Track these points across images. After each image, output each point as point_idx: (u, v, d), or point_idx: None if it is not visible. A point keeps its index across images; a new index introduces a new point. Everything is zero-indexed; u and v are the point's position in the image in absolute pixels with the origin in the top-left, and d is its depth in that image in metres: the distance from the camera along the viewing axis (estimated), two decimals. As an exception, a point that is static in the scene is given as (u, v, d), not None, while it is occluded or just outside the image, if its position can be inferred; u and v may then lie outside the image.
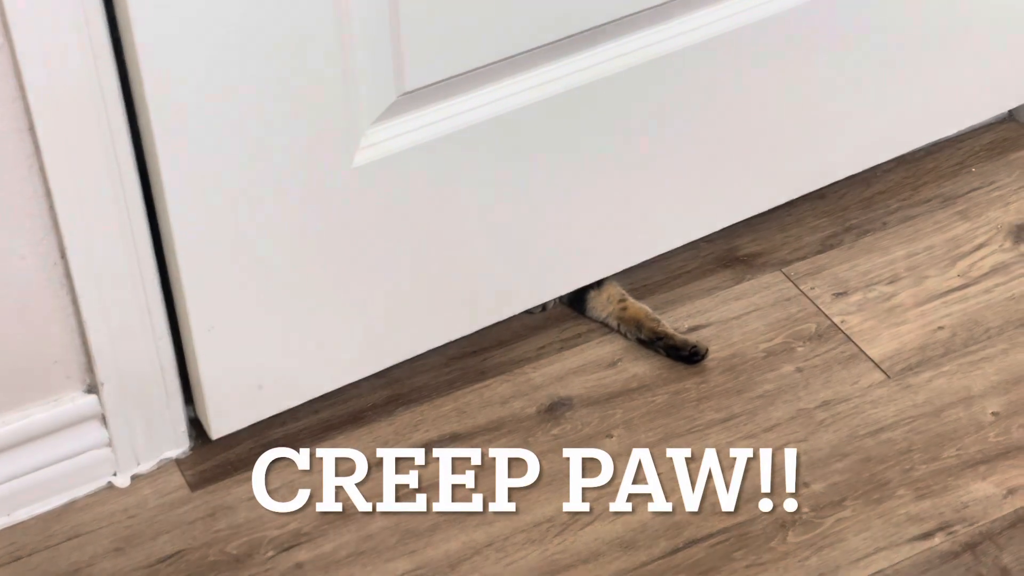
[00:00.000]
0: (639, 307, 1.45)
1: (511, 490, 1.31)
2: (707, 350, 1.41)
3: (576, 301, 1.46)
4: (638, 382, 1.41)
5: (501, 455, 1.33)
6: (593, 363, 1.43)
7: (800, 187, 1.55)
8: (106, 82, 1.09)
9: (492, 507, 1.30)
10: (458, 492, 1.31)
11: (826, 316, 1.46)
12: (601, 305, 1.45)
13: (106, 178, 1.15)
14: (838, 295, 1.49)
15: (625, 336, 1.44)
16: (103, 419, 1.29)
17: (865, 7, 1.43)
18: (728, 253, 1.53)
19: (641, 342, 1.43)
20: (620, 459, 1.33)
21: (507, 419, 1.38)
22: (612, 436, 1.36)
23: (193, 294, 1.22)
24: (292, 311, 1.28)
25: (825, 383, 1.40)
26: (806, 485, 1.31)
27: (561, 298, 1.46)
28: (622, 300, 1.45)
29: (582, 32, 1.27)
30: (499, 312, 1.42)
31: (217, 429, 1.31)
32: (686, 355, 1.42)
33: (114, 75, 1.09)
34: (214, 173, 1.17)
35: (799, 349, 1.43)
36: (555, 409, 1.39)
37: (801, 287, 1.50)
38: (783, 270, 1.52)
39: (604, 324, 1.45)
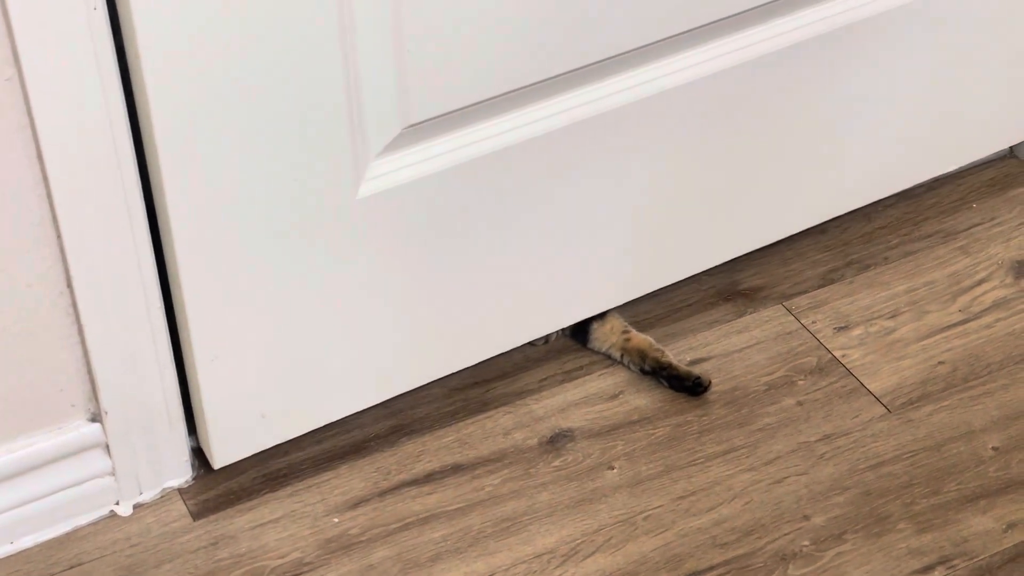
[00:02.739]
0: (642, 338, 1.45)
1: (513, 521, 1.31)
2: (710, 382, 1.42)
3: (578, 333, 1.47)
4: (639, 414, 1.41)
5: (503, 486, 1.34)
6: (595, 395, 1.43)
7: (802, 222, 1.56)
8: (115, 113, 1.10)
9: (494, 538, 1.30)
10: (460, 522, 1.31)
11: (827, 350, 1.47)
12: (604, 336, 1.46)
13: (113, 209, 1.16)
14: (839, 329, 1.49)
15: (628, 367, 1.45)
16: (106, 448, 1.29)
17: (865, 45, 1.44)
18: (730, 287, 1.54)
19: (644, 372, 1.44)
20: (621, 492, 1.34)
21: (509, 450, 1.38)
22: (613, 468, 1.36)
23: (197, 324, 1.23)
24: (296, 341, 1.29)
25: (826, 416, 1.40)
26: (807, 518, 1.31)
27: (564, 330, 1.47)
28: (625, 331, 1.46)
29: (586, 66, 1.28)
30: (502, 344, 1.43)
31: (220, 459, 1.32)
32: (689, 386, 1.42)
33: (122, 107, 1.11)
34: (220, 205, 1.18)
35: (800, 383, 1.44)
36: (556, 441, 1.39)
37: (802, 321, 1.50)
38: (784, 304, 1.52)
39: (607, 356, 1.46)
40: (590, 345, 1.47)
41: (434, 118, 1.23)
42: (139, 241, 1.19)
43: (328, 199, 1.22)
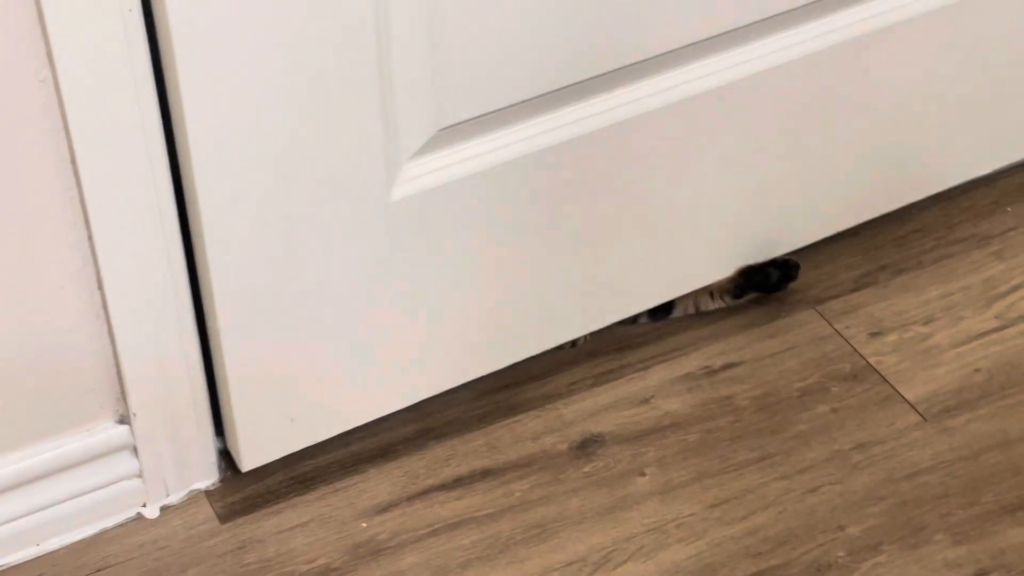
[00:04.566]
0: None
1: (543, 528, 1.30)
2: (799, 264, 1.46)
3: (656, 310, 1.46)
4: (671, 420, 1.40)
5: (532, 492, 1.33)
6: (625, 400, 1.42)
7: (835, 225, 1.54)
8: (148, 117, 1.09)
9: (524, 545, 1.29)
10: (489, 528, 1.30)
11: (861, 356, 1.45)
12: (685, 296, 1.45)
13: (145, 212, 1.15)
14: (873, 335, 1.47)
15: (721, 304, 1.46)
16: (134, 450, 1.28)
17: (899, 47, 1.42)
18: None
19: (738, 295, 1.45)
20: (653, 499, 1.32)
21: (538, 455, 1.37)
22: (645, 475, 1.34)
23: (228, 327, 1.21)
24: (326, 345, 1.28)
25: (860, 424, 1.39)
26: (841, 528, 1.29)
27: (626, 319, 1.46)
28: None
29: (625, 67, 1.27)
30: (534, 347, 1.41)
31: (248, 462, 1.31)
32: (782, 262, 1.44)
33: (156, 111, 1.09)
34: (252, 207, 1.17)
35: (834, 389, 1.42)
36: (587, 446, 1.38)
37: (836, 326, 1.48)
38: (817, 308, 1.51)
39: (696, 312, 1.46)
40: (675, 313, 1.46)
41: (469, 120, 1.22)
42: (171, 244, 1.18)
43: (361, 201, 1.21)
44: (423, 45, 1.16)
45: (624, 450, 1.37)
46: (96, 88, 1.06)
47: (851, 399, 1.41)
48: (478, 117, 1.22)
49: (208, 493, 1.33)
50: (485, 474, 1.35)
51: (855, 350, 1.46)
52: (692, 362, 1.45)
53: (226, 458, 1.34)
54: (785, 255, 1.49)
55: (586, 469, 1.35)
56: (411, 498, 1.33)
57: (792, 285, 1.53)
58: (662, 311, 1.46)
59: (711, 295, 1.46)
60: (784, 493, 1.32)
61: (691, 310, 1.47)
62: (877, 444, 1.37)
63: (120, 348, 1.21)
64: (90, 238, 1.15)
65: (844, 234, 1.56)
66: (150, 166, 1.13)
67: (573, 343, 1.45)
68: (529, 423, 1.40)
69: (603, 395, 1.42)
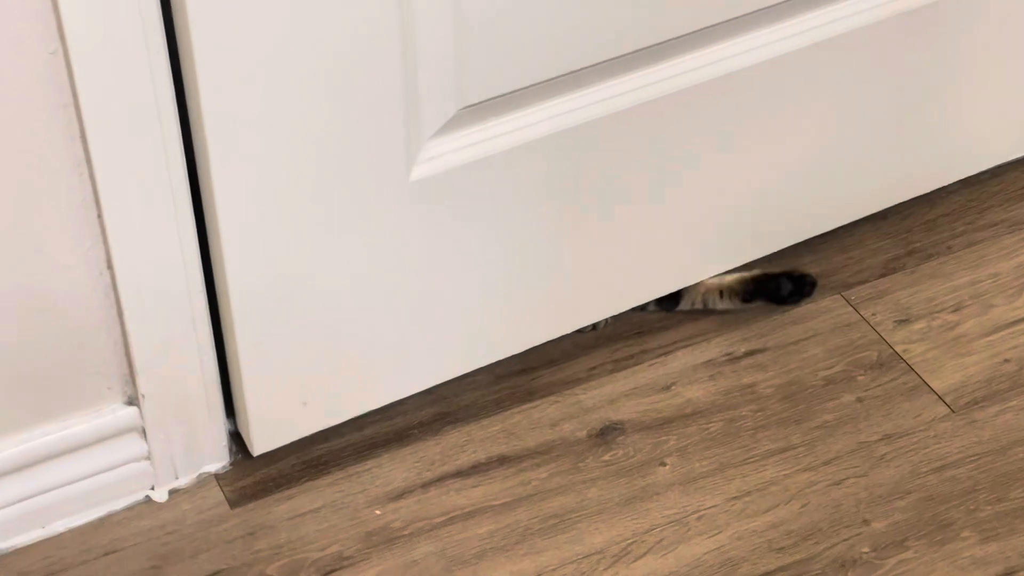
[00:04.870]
0: (734, 273, 1.42)
1: (561, 518, 1.27)
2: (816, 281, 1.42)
3: (665, 299, 1.42)
4: (692, 407, 1.36)
5: (550, 480, 1.30)
6: (646, 386, 1.38)
7: (863, 208, 1.50)
8: (161, 91, 1.05)
9: (541, 536, 1.26)
10: (506, 518, 1.27)
11: (888, 344, 1.42)
12: (693, 290, 1.41)
13: (157, 191, 1.11)
14: (900, 322, 1.44)
15: (728, 302, 1.41)
16: (143, 432, 1.25)
17: (935, 27, 1.38)
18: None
19: (747, 300, 1.40)
20: (674, 490, 1.29)
21: (557, 443, 1.33)
22: (665, 464, 1.31)
23: (240, 310, 1.18)
24: (342, 328, 1.24)
25: (887, 415, 1.35)
26: (866, 523, 1.26)
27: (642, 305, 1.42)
28: (716, 275, 1.42)
29: (651, 46, 1.22)
30: (554, 331, 1.37)
31: (259, 446, 1.27)
32: (799, 276, 1.40)
33: (169, 85, 1.05)
34: (265, 186, 1.13)
35: (860, 378, 1.38)
36: (606, 434, 1.34)
37: (862, 312, 1.45)
38: (843, 294, 1.47)
39: (703, 307, 1.41)
40: (682, 305, 1.42)
41: (493, 99, 1.18)
42: (182, 223, 1.14)
43: (380, 181, 1.17)
44: (447, 21, 1.12)
45: (644, 439, 1.34)
46: (108, 62, 1.02)
47: (877, 389, 1.38)
48: (505, 95, 1.18)
49: (218, 477, 1.30)
50: (502, 461, 1.32)
51: (882, 338, 1.42)
52: (714, 348, 1.41)
53: (237, 440, 1.31)
54: (804, 267, 1.45)
55: (605, 458, 1.32)
56: (426, 485, 1.30)
57: (820, 269, 1.49)
58: (670, 300, 1.43)
59: (720, 293, 1.41)
60: (808, 486, 1.29)
61: (698, 305, 1.42)
62: (903, 436, 1.33)
63: (129, 329, 1.18)
64: (100, 216, 1.11)
65: (872, 217, 1.52)
66: (163, 143, 1.09)
67: (594, 326, 1.41)
68: (547, 409, 1.36)
69: (623, 381, 1.39)
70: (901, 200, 1.52)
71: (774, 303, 1.41)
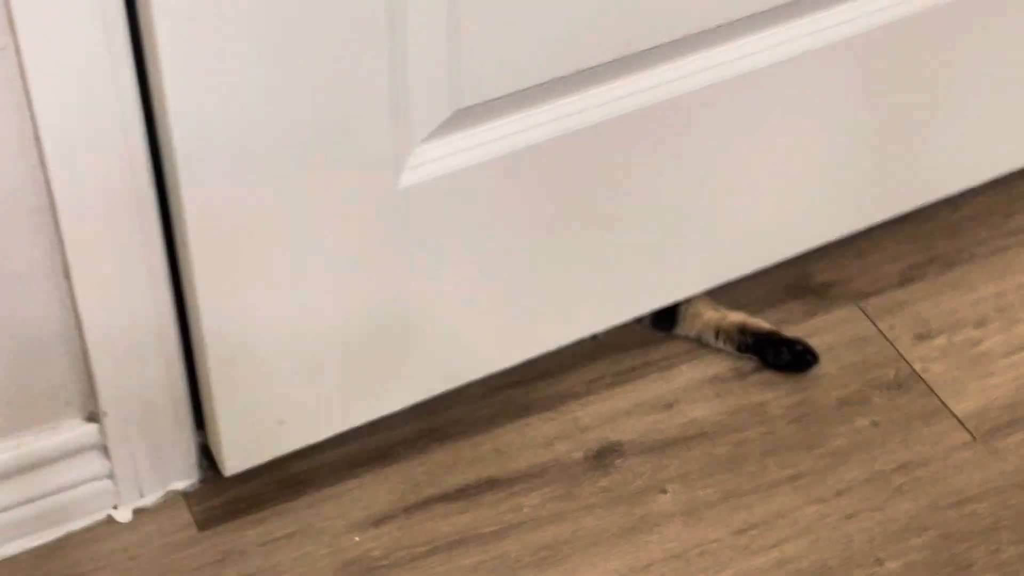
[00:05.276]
0: (737, 313, 1.32)
1: (553, 550, 1.18)
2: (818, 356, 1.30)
3: (661, 319, 1.32)
4: (696, 428, 1.27)
5: (543, 507, 1.21)
6: (647, 403, 1.29)
7: (880, 212, 1.40)
8: (123, 88, 0.94)
9: (532, 569, 1.16)
10: (494, 549, 1.18)
11: (906, 362, 1.33)
12: (695, 317, 1.31)
13: (118, 194, 1.01)
14: (920, 337, 1.35)
15: (722, 348, 1.31)
16: (104, 449, 1.16)
17: (957, 23, 1.28)
18: (799, 281, 1.39)
19: (742, 351, 1.30)
20: (675, 520, 1.20)
21: (551, 465, 1.25)
22: (666, 492, 1.22)
23: (212, 326, 1.08)
24: (323, 341, 1.15)
25: (904, 441, 1.26)
26: (879, 563, 1.18)
27: (640, 318, 1.33)
28: (718, 309, 1.32)
29: (660, 45, 1.12)
30: (550, 343, 1.28)
31: (231, 467, 1.18)
32: (800, 351, 1.29)
33: (133, 81, 0.95)
34: (237, 192, 1.03)
35: (876, 399, 1.30)
36: (604, 456, 1.25)
37: (879, 325, 1.36)
38: (859, 304, 1.38)
39: (697, 340, 1.32)
40: (677, 330, 1.32)
41: (492, 100, 1.08)
42: (147, 231, 1.04)
43: (365, 190, 1.07)
44: (441, 11, 1.01)
45: (645, 462, 1.25)
46: (64, 58, 0.91)
47: (894, 412, 1.29)
48: (504, 96, 1.08)
49: (186, 495, 1.21)
50: (492, 484, 1.23)
51: (900, 354, 1.33)
52: (721, 362, 1.32)
53: (208, 454, 1.22)
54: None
55: (603, 483, 1.23)
56: (409, 509, 1.21)
57: (834, 276, 1.40)
58: (667, 320, 1.33)
59: (716, 333, 1.31)
60: (819, 519, 1.21)
61: (692, 334, 1.32)
62: (921, 465, 1.25)
63: (89, 343, 1.08)
64: (56, 223, 1.01)
65: (890, 218, 1.43)
66: (125, 144, 0.98)
67: (594, 336, 1.32)
68: (542, 426, 1.27)
69: (623, 397, 1.30)
70: (922, 204, 1.43)
71: (765, 365, 1.31)
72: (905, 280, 1.39)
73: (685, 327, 1.32)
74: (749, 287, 1.37)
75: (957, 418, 1.28)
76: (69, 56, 0.92)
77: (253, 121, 0.99)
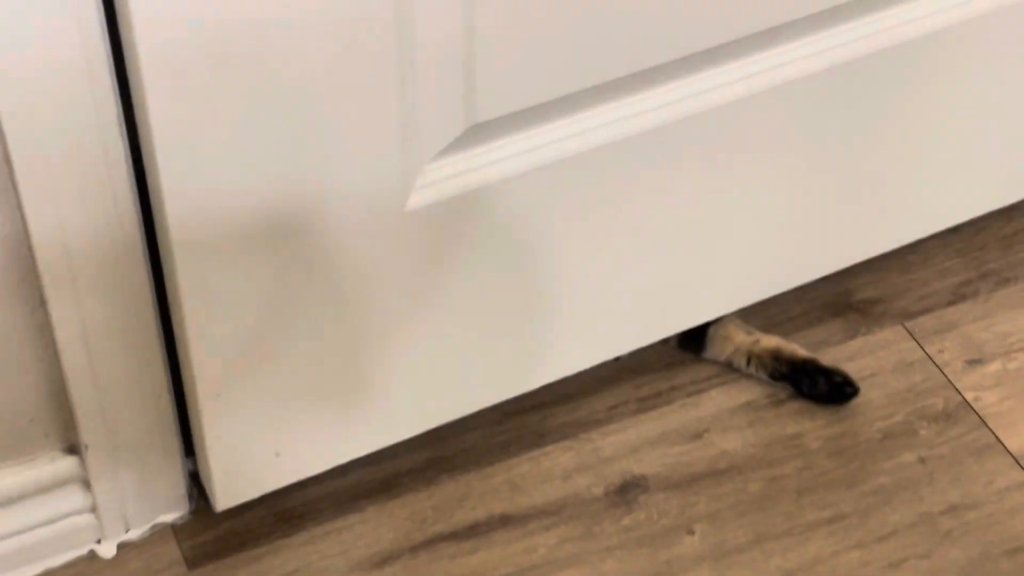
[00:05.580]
0: (771, 337, 1.22)
1: (571, 597, 1.10)
2: (858, 388, 1.20)
3: (690, 341, 1.23)
4: (727, 461, 1.18)
5: (560, 548, 1.12)
6: (674, 432, 1.20)
7: (931, 225, 1.30)
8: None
9: (547, 618, 1.09)
10: (507, 593, 1.10)
11: (956, 390, 1.23)
12: (724, 341, 1.22)
13: (97, 212, 0.91)
14: (972, 363, 1.25)
15: (754, 375, 1.21)
16: (86, 483, 1.07)
17: (1012, 31, 1.17)
18: (840, 297, 1.29)
19: (776, 379, 1.21)
20: (703, 566, 1.11)
21: (569, 500, 1.15)
22: (694, 532, 1.13)
23: (200, 355, 0.99)
24: (322, 370, 1.06)
25: (954, 480, 1.17)
26: (927, 617, 1.09)
27: (666, 339, 1.23)
28: (750, 333, 1.22)
29: (685, 58, 1.01)
30: (572, 366, 1.18)
31: (223, 502, 1.09)
32: (839, 383, 1.19)
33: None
34: (226, 211, 0.93)
35: (923, 432, 1.20)
36: (627, 491, 1.16)
37: (927, 348, 1.26)
38: (905, 324, 1.27)
39: (728, 364, 1.22)
40: (706, 353, 1.23)
41: (509, 115, 0.98)
42: (130, 251, 0.95)
43: (368, 212, 0.97)
44: (456, 20, 0.91)
45: (671, 499, 1.15)
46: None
47: (943, 446, 1.19)
48: (522, 111, 0.98)
49: (175, 528, 1.12)
50: (505, 521, 1.14)
51: (949, 382, 1.23)
52: (754, 387, 1.22)
53: (199, 482, 1.13)
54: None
55: (625, 522, 1.14)
56: (415, 548, 1.12)
57: (877, 293, 1.29)
58: (695, 342, 1.23)
59: (748, 359, 1.21)
60: (860, 566, 1.11)
61: (721, 358, 1.22)
62: (972, 508, 1.15)
63: (68, 373, 0.99)
64: (30, 249, 0.91)
65: (939, 231, 1.32)
66: (104, 151, 0.89)
67: (616, 357, 1.23)
68: (559, 457, 1.18)
69: (648, 425, 1.20)
70: (974, 216, 1.32)
71: (800, 395, 1.21)
72: (955, 298, 1.29)
73: (714, 351, 1.23)
74: (785, 303, 1.27)
75: (1012, 455, 1.18)
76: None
77: (244, 131, 0.90)
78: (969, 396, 1.22)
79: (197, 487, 1.13)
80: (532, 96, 0.97)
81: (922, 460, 1.18)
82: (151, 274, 0.96)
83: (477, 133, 0.97)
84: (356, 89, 0.90)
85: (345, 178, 0.94)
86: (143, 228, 0.95)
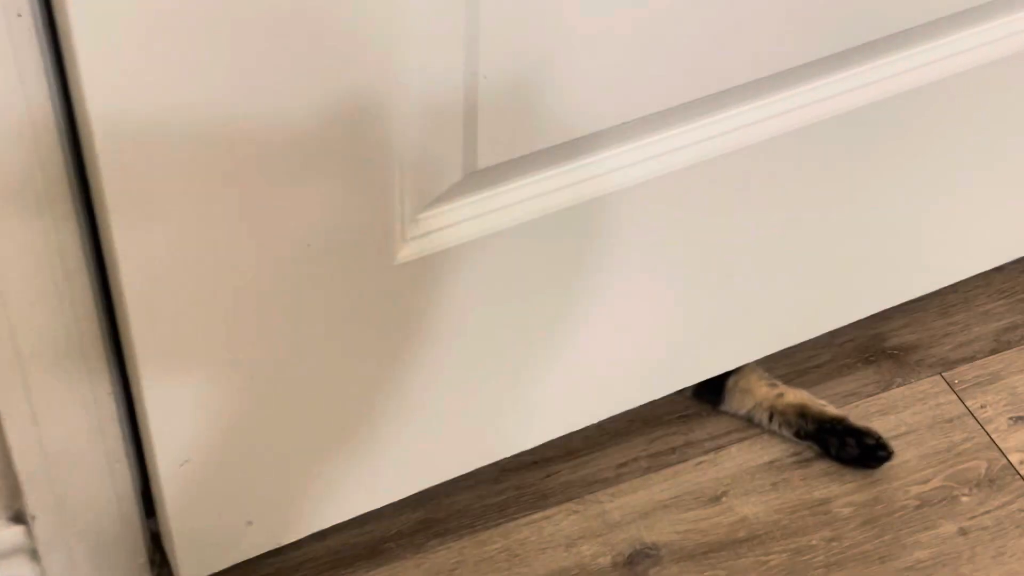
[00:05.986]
0: (797, 391, 1.11)
1: None
2: (892, 451, 1.09)
3: (707, 391, 1.12)
4: (747, 530, 1.07)
5: (562, 629, 1.01)
6: (690, 494, 1.09)
7: (972, 266, 1.18)
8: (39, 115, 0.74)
9: None
10: None
11: (1000, 452, 1.12)
12: (745, 393, 1.11)
13: (40, 267, 0.80)
14: (1018, 420, 1.13)
15: (778, 432, 1.10)
16: (34, 553, 0.96)
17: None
18: (872, 343, 1.18)
19: (802, 437, 1.10)
20: (720, 652, 1.01)
21: (573, 572, 1.04)
22: (710, 612, 1.03)
23: (160, 422, 0.87)
24: (301, 429, 0.95)
25: (997, 556, 1.06)
26: None
27: (684, 389, 1.12)
28: (773, 385, 1.12)
29: (714, 95, 0.90)
30: (575, 422, 1.07)
31: (188, 574, 0.99)
32: (871, 446, 1.08)
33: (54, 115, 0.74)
34: (188, 268, 0.82)
35: (964, 499, 1.09)
36: (636, 562, 1.05)
37: (967, 403, 1.15)
38: (944, 374, 1.16)
39: (747, 419, 1.12)
40: (724, 406, 1.12)
41: (511, 161, 0.86)
42: (78, 305, 0.83)
43: (353, 268, 0.85)
44: (458, 60, 0.80)
45: (685, 572, 1.04)
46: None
47: (986, 516, 1.08)
48: (526, 156, 0.86)
49: (136, 599, 1.02)
50: (501, 597, 1.04)
51: (993, 442, 1.12)
52: (778, 444, 1.11)
53: (158, 546, 1.03)
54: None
55: (634, 599, 1.04)
56: (402, 627, 1.02)
57: (913, 338, 1.18)
58: (713, 392, 1.13)
59: (770, 415, 1.11)
60: (893, 656, 1.02)
61: (741, 412, 1.12)
62: (1018, 589, 1.05)
63: (11, 441, 0.88)
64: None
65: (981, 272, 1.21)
66: (47, 201, 0.78)
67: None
68: (562, 522, 1.07)
69: (660, 485, 1.09)
70: (1017, 256, 1.21)
71: (828, 456, 1.11)
72: (999, 346, 1.18)
73: (733, 403, 1.12)
74: (812, 348, 1.16)
75: (1061, 527, 1.08)
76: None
77: (205, 175, 0.78)
78: (1015, 459, 1.11)
79: (160, 552, 1.03)
80: (541, 139, 0.85)
81: (963, 532, 1.07)
82: (107, 327, 0.85)
83: (474, 180, 0.85)
84: (343, 132, 0.79)
85: (326, 232, 0.83)
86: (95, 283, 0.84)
